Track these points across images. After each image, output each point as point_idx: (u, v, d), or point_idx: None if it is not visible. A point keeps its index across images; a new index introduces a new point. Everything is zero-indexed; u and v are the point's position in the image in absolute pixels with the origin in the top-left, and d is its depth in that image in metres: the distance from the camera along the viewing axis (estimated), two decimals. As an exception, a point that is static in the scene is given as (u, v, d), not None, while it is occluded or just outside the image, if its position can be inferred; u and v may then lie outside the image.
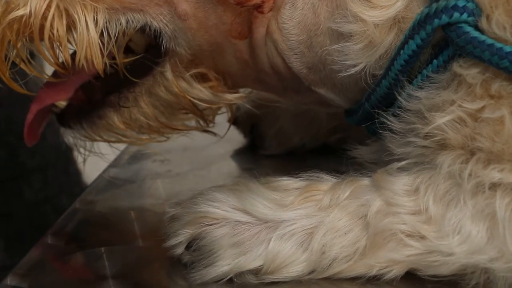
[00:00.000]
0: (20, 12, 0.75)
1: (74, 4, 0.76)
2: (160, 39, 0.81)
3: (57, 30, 0.76)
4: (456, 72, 0.70)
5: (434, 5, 0.69)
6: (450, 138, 0.70)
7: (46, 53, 0.79)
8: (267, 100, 1.04)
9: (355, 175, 0.75)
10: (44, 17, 0.75)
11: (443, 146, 0.71)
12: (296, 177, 0.76)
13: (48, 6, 0.75)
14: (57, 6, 0.76)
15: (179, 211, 0.76)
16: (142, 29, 0.80)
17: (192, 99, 0.84)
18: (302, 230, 0.71)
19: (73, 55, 0.80)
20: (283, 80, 0.83)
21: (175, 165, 1.03)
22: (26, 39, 0.78)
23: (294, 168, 0.77)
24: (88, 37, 0.76)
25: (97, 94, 0.87)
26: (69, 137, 0.90)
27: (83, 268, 0.76)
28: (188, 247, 0.74)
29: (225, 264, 0.71)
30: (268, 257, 0.70)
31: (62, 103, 0.89)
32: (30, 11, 0.75)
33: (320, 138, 1.05)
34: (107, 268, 0.73)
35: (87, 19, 0.76)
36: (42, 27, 0.76)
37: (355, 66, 0.76)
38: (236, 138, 1.10)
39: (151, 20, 0.78)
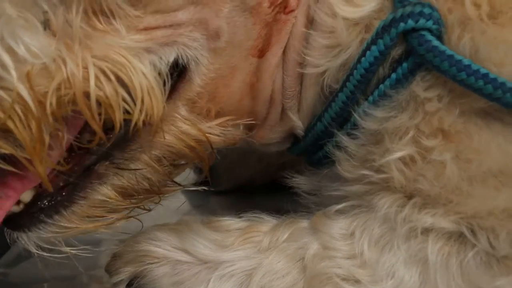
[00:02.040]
0: (57, 79, 0.64)
1: (111, 57, 0.67)
2: (184, 70, 0.74)
3: (106, 89, 0.66)
4: (414, 92, 0.70)
5: (400, 11, 0.69)
6: (394, 179, 0.70)
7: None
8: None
9: (295, 216, 0.75)
10: (85, 78, 0.65)
11: (385, 187, 0.71)
12: (238, 217, 0.77)
13: (84, 68, 0.65)
14: (94, 64, 0.66)
15: (122, 249, 0.76)
16: (175, 63, 0.73)
17: (210, 135, 0.76)
18: (242, 272, 0.72)
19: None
20: (270, 108, 0.81)
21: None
22: (68, 105, 0.65)
23: (242, 205, 0.78)
24: (147, 83, 0.68)
25: (74, 171, 0.73)
26: (32, 242, 0.73)
27: None
28: (129, 285, 0.74)
29: None
30: None
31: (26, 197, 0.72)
32: (67, 74, 0.65)
33: (269, 174, 1.06)
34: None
35: (138, 64, 0.68)
36: (85, 93, 0.66)
37: (317, 66, 0.76)
38: (186, 173, 1.10)
39: (184, 48, 0.72)
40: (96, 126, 0.67)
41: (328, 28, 0.75)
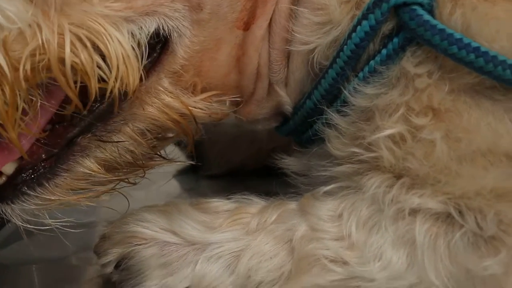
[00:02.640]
0: (32, 45, 0.64)
1: (88, 24, 0.66)
2: (167, 41, 0.73)
3: (81, 56, 0.66)
4: (404, 68, 0.69)
5: None
6: (383, 158, 0.70)
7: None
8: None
9: (283, 198, 0.75)
10: (60, 45, 0.65)
11: (375, 166, 0.71)
12: (227, 199, 0.76)
13: (60, 34, 0.65)
14: (70, 31, 0.65)
15: (110, 230, 0.75)
16: (156, 34, 0.72)
17: (194, 109, 0.75)
18: (229, 253, 0.71)
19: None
20: (257, 82, 0.80)
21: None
22: (43, 72, 0.65)
23: (233, 189, 0.78)
24: (123, 51, 0.68)
25: (57, 144, 0.73)
26: (17, 214, 0.72)
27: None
28: (117, 266, 0.74)
29: (152, 285, 0.71)
30: (195, 278, 0.70)
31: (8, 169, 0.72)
32: (42, 40, 0.64)
33: (260, 159, 1.05)
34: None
35: (114, 33, 0.67)
36: (60, 59, 0.66)
37: (306, 43, 0.75)
38: (178, 158, 1.10)
39: (165, 19, 0.71)
40: (71, 93, 0.67)
41: (319, 5, 0.74)
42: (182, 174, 1.11)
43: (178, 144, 0.99)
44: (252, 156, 1.07)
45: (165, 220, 0.74)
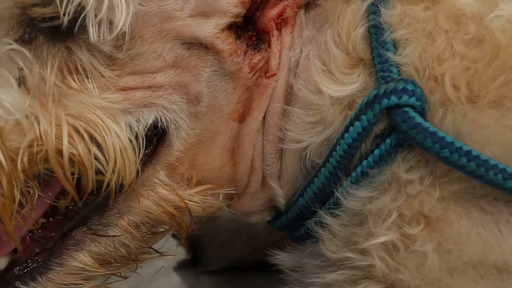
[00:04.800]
0: (30, 137, 0.65)
1: (85, 115, 0.67)
2: (164, 134, 0.74)
3: (79, 148, 0.67)
4: (395, 173, 0.70)
5: (383, 87, 0.69)
6: (376, 267, 0.69)
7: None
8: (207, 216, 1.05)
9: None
10: (58, 137, 0.66)
11: (368, 274, 0.70)
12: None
13: (58, 125, 0.66)
14: (68, 122, 0.66)
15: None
16: (154, 126, 0.72)
17: (189, 202, 0.75)
18: None
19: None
20: (251, 175, 0.80)
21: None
22: (40, 163, 0.66)
23: (233, 284, 0.77)
24: (120, 144, 0.68)
25: (51, 237, 0.73)
26: None
27: None
28: None
29: None
30: None
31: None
32: (40, 131, 0.65)
33: (258, 254, 1.04)
34: None
35: (112, 125, 0.68)
36: (58, 151, 0.66)
37: (298, 141, 0.76)
38: (178, 253, 1.09)
39: (163, 111, 0.72)
40: (68, 185, 0.68)
41: (312, 105, 0.75)
42: (181, 269, 1.09)
43: (176, 237, 0.99)
44: (251, 250, 1.06)
45: None
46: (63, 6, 0.65)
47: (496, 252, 0.66)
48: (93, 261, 0.73)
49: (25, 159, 0.65)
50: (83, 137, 0.67)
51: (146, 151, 0.73)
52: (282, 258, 0.81)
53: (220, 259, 1.07)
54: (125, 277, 0.76)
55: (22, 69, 0.67)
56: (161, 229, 0.77)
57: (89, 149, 0.67)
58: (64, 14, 0.66)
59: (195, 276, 1.07)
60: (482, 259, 0.66)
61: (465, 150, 0.66)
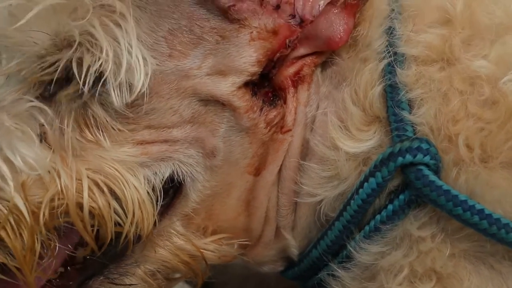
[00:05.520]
0: (52, 191, 0.67)
1: (105, 170, 0.69)
2: (180, 186, 0.75)
3: (99, 201, 0.68)
4: (407, 230, 0.70)
5: (398, 145, 0.70)
6: None
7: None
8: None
9: None
10: (78, 191, 0.68)
11: None
12: None
13: (78, 180, 0.68)
14: (88, 176, 0.68)
15: None
16: (171, 179, 0.74)
17: (205, 251, 0.77)
18: None
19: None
20: (265, 226, 0.81)
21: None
22: (61, 216, 0.68)
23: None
24: (139, 197, 0.70)
25: (69, 286, 0.74)
26: None
27: None
28: None
29: None
30: None
31: None
32: (61, 186, 0.67)
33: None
34: None
35: (130, 178, 0.70)
36: (78, 204, 0.68)
37: (313, 196, 0.76)
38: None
39: (179, 164, 0.73)
40: (88, 237, 0.69)
41: (328, 161, 0.76)
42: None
43: (191, 283, 1.00)
44: (261, 298, 1.06)
45: None
46: (82, 77, 0.68)
47: None
48: None
49: (47, 212, 0.67)
50: (103, 191, 0.69)
51: (163, 203, 0.74)
52: None
53: (230, 308, 1.07)
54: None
55: (43, 125, 0.69)
56: (176, 276, 0.79)
57: (109, 203, 0.69)
58: (83, 84, 0.68)
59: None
60: None
61: (478, 209, 0.67)
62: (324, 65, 0.78)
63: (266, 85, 0.76)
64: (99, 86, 0.69)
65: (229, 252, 0.79)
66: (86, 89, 0.68)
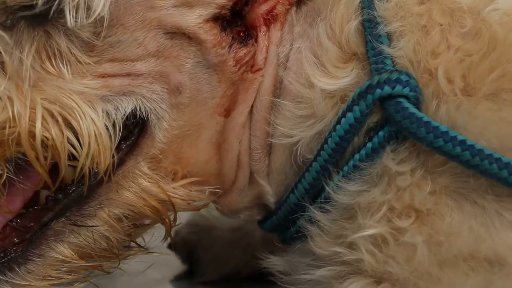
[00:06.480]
0: (2, 117, 0.65)
1: (61, 100, 0.67)
2: (145, 124, 0.73)
3: (52, 131, 0.66)
4: (386, 166, 0.68)
5: (377, 77, 0.68)
6: (365, 261, 0.68)
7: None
8: (203, 226, 1.03)
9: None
10: (31, 119, 0.66)
11: (357, 269, 0.69)
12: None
13: (32, 108, 0.66)
14: (43, 106, 0.66)
15: None
16: (133, 115, 0.72)
17: (173, 196, 0.74)
18: None
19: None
20: (238, 171, 0.78)
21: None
22: (13, 146, 0.66)
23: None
24: (95, 129, 0.68)
25: (30, 228, 0.72)
26: None
27: None
28: None
29: None
30: None
31: None
32: (13, 113, 0.65)
33: (255, 265, 1.03)
34: None
35: (88, 110, 0.68)
36: (31, 133, 0.66)
37: (289, 136, 0.74)
38: (173, 263, 1.07)
39: (142, 100, 0.71)
40: (40, 169, 0.67)
41: (303, 99, 0.73)
42: (177, 279, 1.07)
43: (173, 247, 0.99)
44: (247, 262, 1.03)
45: None
46: None
47: (488, 245, 0.65)
48: (72, 253, 0.72)
49: None
50: (57, 121, 0.66)
51: (127, 142, 0.73)
52: (274, 262, 0.79)
53: (216, 269, 1.05)
54: (108, 272, 0.75)
55: (1, 53, 0.67)
56: (144, 223, 0.76)
57: (62, 133, 0.67)
58: None
59: (191, 286, 1.05)
60: (474, 252, 0.65)
61: (460, 140, 0.65)
62: (299, 4, 0.75)
63: (239, 24, 0.74)
64: (55, 4, 0.66)
65: (200, 197, 0.76)
66: (40, 3, 0.65)
